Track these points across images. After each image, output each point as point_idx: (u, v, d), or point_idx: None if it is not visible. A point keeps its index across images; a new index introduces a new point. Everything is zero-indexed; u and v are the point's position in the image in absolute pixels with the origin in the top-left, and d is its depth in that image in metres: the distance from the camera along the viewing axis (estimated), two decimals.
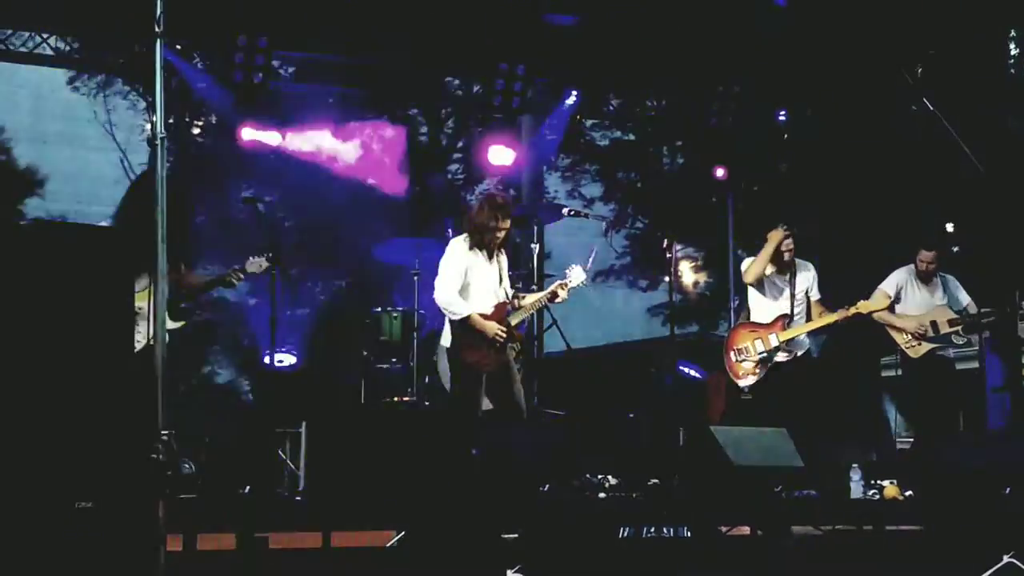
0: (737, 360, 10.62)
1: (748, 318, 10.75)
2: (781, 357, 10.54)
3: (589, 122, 21.97)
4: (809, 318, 10.67)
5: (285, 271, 9.40)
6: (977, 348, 11.27)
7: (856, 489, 8.78)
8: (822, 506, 8.58)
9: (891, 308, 11.07)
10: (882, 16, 13.28)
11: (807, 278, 10.75)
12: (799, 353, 10.60)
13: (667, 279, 9.88)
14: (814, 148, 16.69)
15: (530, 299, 9.45)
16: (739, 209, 15.45)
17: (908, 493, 8.70)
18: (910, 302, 11.07)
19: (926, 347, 10.92)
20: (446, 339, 9.31)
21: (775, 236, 10.47)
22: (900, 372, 11.31)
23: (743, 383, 10.62)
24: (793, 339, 10.51)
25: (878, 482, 8.93)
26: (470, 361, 9.09)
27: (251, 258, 9.84)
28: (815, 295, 10.68)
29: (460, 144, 23.14)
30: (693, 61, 13.92)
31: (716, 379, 12.68)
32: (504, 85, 13.62)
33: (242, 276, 9.79)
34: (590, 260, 9.87)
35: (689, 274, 17.19)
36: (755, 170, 15.92)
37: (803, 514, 8.30)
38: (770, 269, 10.63)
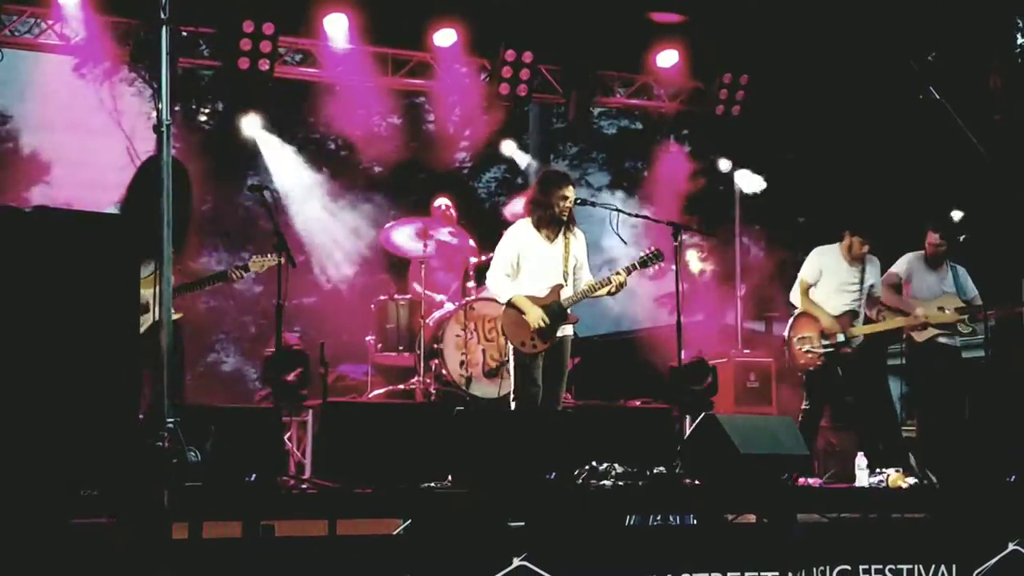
0: (799, 348, 10.71)
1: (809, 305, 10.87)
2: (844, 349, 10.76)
3: (596, 110, 21.94)
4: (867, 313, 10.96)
5: (291, 260, 9.30)
6: (983, 337, 11.28)
7: (862, 477, 8.78)
8: (828, 494, 8.57)
9: (900, 291, 11.14)
10: (889, 5, 13.26)
11: (873, 273, 10.99)
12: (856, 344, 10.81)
13: (673, 268, 9.87)
14: (821, 137, 16.67)
15: (590, 283, 9.41)
16: (746, 198, 15.44)
17: (913, 481, 8.69)
18: (919, 286, 11.13)
19: (931, 332, 10.98)
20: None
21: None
22: (905, 360, 11.36)
23: (801, 369, 10.86)
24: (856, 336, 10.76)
25: (884, 470, 8.92)
26: (516, 343, 9.14)
27: (255, 256, 9.75)
28: (877, 291, 10.94)
29: (467, 132, 23.10)
30: (701, 49, 13.90)
31: (726, 367, 12.69)
32: (511, 73, 13.62)
33: (243, 274, 9.69)
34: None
35: (696, 263, 17.14)
36: (762, 159, 15.86)
37: (809, 502, 8.29)
38: (844, 262, 10.86)
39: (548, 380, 9.21)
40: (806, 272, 10.98)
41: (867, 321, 10.96)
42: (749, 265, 16.39)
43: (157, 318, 8.83)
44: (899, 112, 16.39)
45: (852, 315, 10.81)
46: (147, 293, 8.63)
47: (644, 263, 9.50)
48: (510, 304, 9.23)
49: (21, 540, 5.32)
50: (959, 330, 11.07)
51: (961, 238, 11.28)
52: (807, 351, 10.76)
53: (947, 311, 10.99)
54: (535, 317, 9.10)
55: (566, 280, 9.29)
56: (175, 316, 9.05)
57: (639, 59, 14.26)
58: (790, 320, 11.07)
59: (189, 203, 9.02)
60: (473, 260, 12.23)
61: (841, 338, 10.64)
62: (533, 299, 9.19)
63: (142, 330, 8.59)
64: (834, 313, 10.76)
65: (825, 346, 10.68)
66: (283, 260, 9.10)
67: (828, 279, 10.90)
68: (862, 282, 10.87)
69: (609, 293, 9.39)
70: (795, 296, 11.05)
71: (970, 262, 11.48)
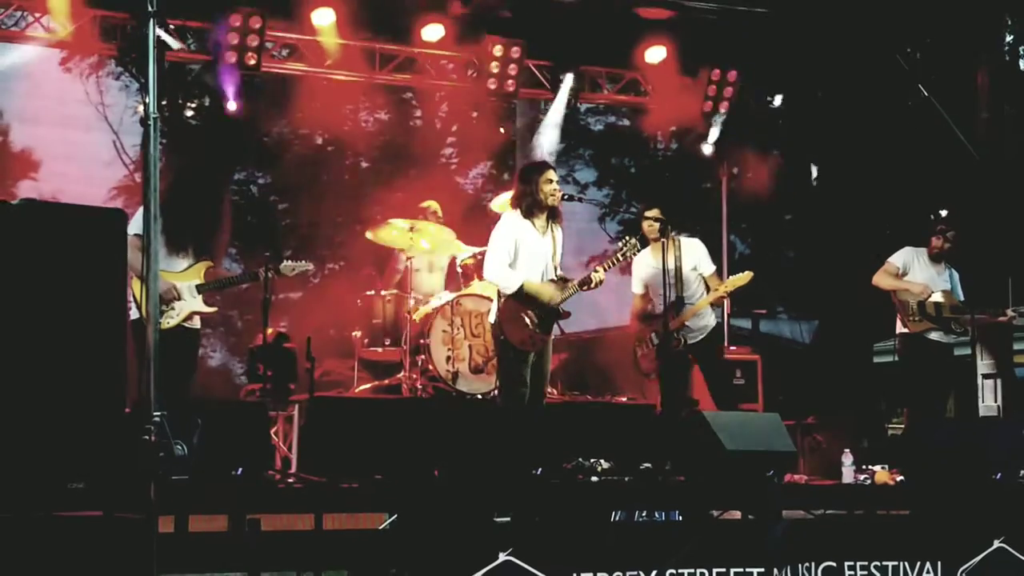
0: (642, 354, 10.65)
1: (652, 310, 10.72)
2: (692, 338, 10.50)
3: (584, 106, 21.97)
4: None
5: (277, 256, 9.31)
6: (969, 337, 11.34)
7: (847, 474, 8.80)
8: (813, 491, 8.58)
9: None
10: (878, 2, 13.27)
11: (693, 255, 10.55)
12: (703, 336, 10.58)
13: (660, 266, 9.85)
14: (809, 133, 16.70)
15: (573, 283, 9.38)
16: (732, 195, 15.45)
17: (899, 478, 8.71)
18: (917, 278, 11.19)
19: (925, 324, 11.05)
20: (492, 317, 9.36)
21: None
22: (897, 357, 11.43)
23: (647, 375, 10.75)
24: (686, 325, 10.44)
25: (869, 467, 8.94)
26: (515, 340, 9.09)
27: (287, 260, 9.78)
28: (707, 269, 10.55)
29: (454, 128, 23.10)
30: (689, 45, 13.90)
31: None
32: (499, 68, 13.62)
33: (275, 276, 9.68)
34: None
35: None
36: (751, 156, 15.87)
37: (794, 498, 8.30)
38: (652, 257, 10.40)
39: (534, 377, 9.20)
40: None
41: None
42: (735, 262, 16.41)
43: (186, 311, 9.04)
44: (887, 109, 16.42)
45: (679, 304, 10.37)
46: (182, 285, 8.93)
47: (626, 255, 9.51)
48: (519, 293, 9.17)
49: (7, 532, 5.31)
50: (952, 328, 11.13)
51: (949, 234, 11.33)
52: (644, 355, 10.68)
53: (943, 306, 11.05)
54: (549, 292, 9.10)
55: (554, 275, 9.30)
56: (211, 308, 9.27)
57: (627, 55, 14.24)
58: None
59: (224, 216, 9.34)
60: (461, 256, 12.21)
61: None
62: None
63: (178, 320, 8.88)
64: (659, 311, 10.49)
65: (655, 346, 10.54)
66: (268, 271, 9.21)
67: (643, 276, 10.70)
68: (680, 269, 10.45)
69: (588, 289, 9.38)
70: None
71: (959, 262, 11.53)
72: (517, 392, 9.10)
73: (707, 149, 14.84)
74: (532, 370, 9.18)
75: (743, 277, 10.45)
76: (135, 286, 7.63)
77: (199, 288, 9.10)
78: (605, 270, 9.32)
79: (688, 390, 10.94)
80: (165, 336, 8.55)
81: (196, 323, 9.25)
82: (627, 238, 9.55)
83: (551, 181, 9.22)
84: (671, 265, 10.17)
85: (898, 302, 11.23)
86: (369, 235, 12.52)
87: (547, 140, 14.84)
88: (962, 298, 11.26)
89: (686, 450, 8.26)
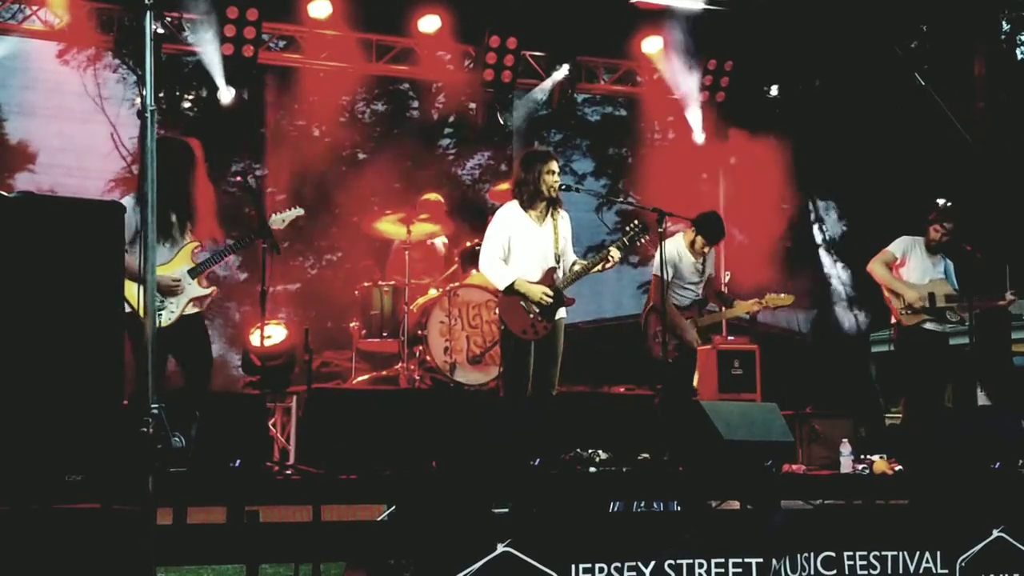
0: (656, 342, 10.63)
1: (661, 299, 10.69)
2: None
3: (580, 97, 21.95)
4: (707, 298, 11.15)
5: (275, 248, 9.17)
6: (968, 326, 11.33)
7: (846, 464, 8.79)
8: (812, 480, 8.58)
9: (889, 270, 11.24)
10: None
11: (711, 259, 11.15)
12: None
13: (658, 255, 9.85)
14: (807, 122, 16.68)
15: (582, 263, 9.36)
16: (729, 184, 15.45)
17: (898, 468, 8.70)
18: (913, 267, 11.21)
19: (920, 316, 11.05)
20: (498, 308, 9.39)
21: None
22: (892, 347, 11.42)
23: (666, 359, 10.68)
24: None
25: (868, 456, 8.93)
26: (516, 330, 9.08)
27: (273, 214, 9.55)
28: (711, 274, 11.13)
29: (451, 119, 23.07)
30: (686, 35, 13.90)
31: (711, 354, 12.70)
32: (496, 59, 13.61)
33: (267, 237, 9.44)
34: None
35: None
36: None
37: (793, 488, 8.30)
38: (687, 253, 10.89)
39: (542, 364, 9.16)
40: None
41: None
42: (733, 252, 16.38)
43: (183, 302, 8.86)
44: (884, 99, 16.40)
45: (701, 305, 11.06)
46: (176, 272, 8.69)
47: (633, 240, 9.50)
48: (510, 289, 9.15)
49: (5, 525, 5.30)
50: (948, 317, 11.13)
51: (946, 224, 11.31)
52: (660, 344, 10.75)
53: (937, 296, 11.06)
54: (539, 292, 9.06)
55: (558, 262, 9.25)
56: (208, 290, 9.05)
57: (623, 45, 14.24)
58: (644, 314, 11.02)
59: (192, 181, 8.98)
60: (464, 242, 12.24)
61: (693, 331, 10.91)
62: (530, 282, 9.15)
63: (178, 313, 8.68)
64: (683, 304, 10.86)
65: (682, 339, 10.82)
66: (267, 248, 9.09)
67: (675, 265, 10.87)
68: (703, 273, 11.04)
69: (603, 269, 9.36)
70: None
71: (956, 252, 11.52)
72: (518, 382, 9.09)
73: (699, 138, 14.89)
74: (539, 357, 9.15)
75: (786, 298, 11.14)
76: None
77: (191, 272, 8.88)
78: (619, 248, 9.31)
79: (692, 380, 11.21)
80: (171, 332, 8.48)
81: (194, 309, 9.04)
82: (634, 222, 9.53)
83: (553, 172, 9.19)
84: (710, 269, 11.04)
85: (891, 295, 11.23)
86: (367, 226, 12.53)
87: (525, 109, 14.91)
88: (957, 288, 11.25)
89: (684, 440, 8.25)
